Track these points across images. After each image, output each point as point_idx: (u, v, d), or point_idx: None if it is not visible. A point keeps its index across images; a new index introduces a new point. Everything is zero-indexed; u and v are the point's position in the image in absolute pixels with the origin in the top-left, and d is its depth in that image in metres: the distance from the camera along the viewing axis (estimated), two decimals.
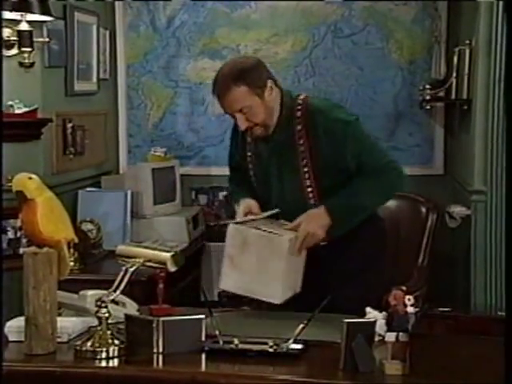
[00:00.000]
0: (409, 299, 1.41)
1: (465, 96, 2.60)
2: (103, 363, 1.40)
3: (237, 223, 1.71)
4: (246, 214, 1.77)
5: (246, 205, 1.78)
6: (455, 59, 2.61)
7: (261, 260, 1.63)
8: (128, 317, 1.49)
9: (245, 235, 1.65)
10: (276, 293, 1.62)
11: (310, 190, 1.75)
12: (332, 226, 1.69)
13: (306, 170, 1.74)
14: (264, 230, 1.66)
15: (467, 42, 2.56)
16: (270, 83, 1.72)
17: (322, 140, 1.72)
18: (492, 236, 2.34)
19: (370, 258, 1.79)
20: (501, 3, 2.29)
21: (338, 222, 1.70)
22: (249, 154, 1.83)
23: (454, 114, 2.77)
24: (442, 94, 2.79)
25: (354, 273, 1.73)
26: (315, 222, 1.68)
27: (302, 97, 1.77)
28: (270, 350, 1.42)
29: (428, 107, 2.89)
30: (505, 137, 2.16)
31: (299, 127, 1.73)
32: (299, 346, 1.43)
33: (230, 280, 1.67)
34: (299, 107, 1.75)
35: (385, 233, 1.89)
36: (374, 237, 1.82)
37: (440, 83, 2.80)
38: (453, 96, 2.67)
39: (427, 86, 2.81)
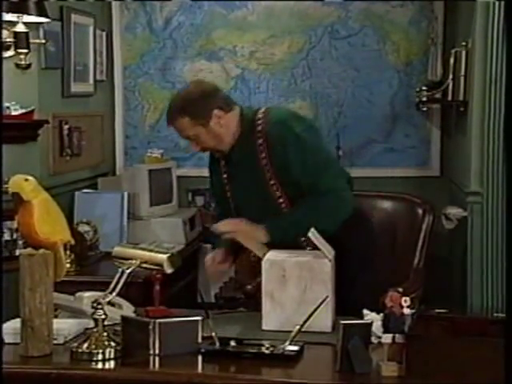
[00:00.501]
0: (405, 301, 1.41)
1: (461, 98, 2.60)
2: (99, 365, 1.40)
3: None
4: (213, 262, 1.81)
5: (213, 255, 1.83)
6: (451, 61, 2.62)
7: (303, 289, 1.58)
8: (124, 318, 1.49)
9: (283, 266, 1.59)
10: (326, 321, 1.56)
11: (281, 200, 1.77)
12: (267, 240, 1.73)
13: (272, 182, 1.76)
14: (301, 256, 1.62)
15: (463, 43, 2.57)
16: (216, 112, 1.75)
17: (281, 151, 1.75)
18: (488, 237, 2.35)
19: (360, 259, 1.79)
20: (497, 5, 2.30)
21: (274, 241, 1.73)
22: (224, 176, 1.85)
23: (451, 116, 2.78)
24: (438, 95, 2.80)
25: (345, 275, 1.72)
26: (250, 238, 1.74)
27: (262, 110, 1.81)
28: (267, 351, 1.42)
29: (424, 109, 2.90)
30: (504, 137, 2.17)
31: (260, 141, 1.76)
32: (295, 348, 1.42)
33: (272, 319, 1.59)
34: (259, 121, 1.78)
35: (373, 233, 1.90)
36: (361, 238, 1.82)
37: (436, 85, 2.81)
38: (449, 98, 2.67)
39: (424, 88, 2.82)
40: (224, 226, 1.76)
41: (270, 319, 1.59)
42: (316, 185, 1.75)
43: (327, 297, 1.53)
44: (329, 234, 1.68)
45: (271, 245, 1.72)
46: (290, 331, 1.45)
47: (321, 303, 1.49)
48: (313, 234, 1.61)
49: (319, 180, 1.76)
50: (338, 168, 1.87)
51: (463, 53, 2.56)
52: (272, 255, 1.63)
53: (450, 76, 2.63)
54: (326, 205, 1.75)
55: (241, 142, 1.78)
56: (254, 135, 1.77)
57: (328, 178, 1.77)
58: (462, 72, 2.57)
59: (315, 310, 1.48)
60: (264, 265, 1.60)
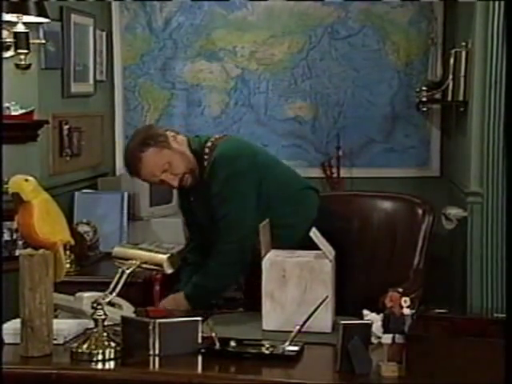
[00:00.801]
0: (405, 301, 1.41)
1: (461, 98, 2.60)
2: (99, 365, 1.40)
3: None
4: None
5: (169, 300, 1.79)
6: (451, 61, 2.62)
7: (303, 289, 1.58)
8: (124, 319, 1.49)
9: (283, 267, 1.59)
10: (326, 321, 1.56)
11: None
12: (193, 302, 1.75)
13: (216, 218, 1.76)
14: (302, 257, 1.61)
15: (463, 43, 2.58)
16: (170, 133, 1.78)
17: (211, 189, 1.74)
18: (488, 238, 2.35)
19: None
20: (497, 5, 2.30)
21: (198, 302, 1.75)
22: (185, 199, 1.87)
23: (451, 116, 2.79)
24: (438, 95, 2.80)
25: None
26: (176, 306, 1.75)
27: (209, 143, 1.79)
28: (267, 352, 1.41)
29: (424, 109, 2.91)
30: (504, 137, 2.17)
31: (205, 175, 1.77)
32: (295, 348, 1.42)
33: (272, 320, 1.58)
34: (206, 156, 1.78)
35: (339, 225, 1.90)
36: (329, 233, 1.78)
37: (436, 85, 2.81)
38: (449, 98, 2.68)
39: (424, 88, 2.83)
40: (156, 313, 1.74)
41: (270, 319, 1.59)
42: (218, 235, 1.74)
43: (327, 297, 1.53)
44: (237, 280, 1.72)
45: (194, 306, 1.74)
46: (290, 331, 1.45)
47: (321, 303, 1.49)
48: (314, 233, 1.61)
49: (220, 233, 1.74)
50: (233, 230, 1.77)
51: (463, 53, 2.56)
52: (272, 255, 1.63)
53: (450, 76, 2.64)
54: (229, 254, 1.74)
55: (193, 176, 1.79)
56: (202, 169, 1.77)
57: (223, 237, 1.75)
58: (462, 72, 2.58)
59: (315, 310, 1.48)
60: (264, 265, 1.59)
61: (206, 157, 1.78)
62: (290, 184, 1.86)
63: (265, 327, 1.59)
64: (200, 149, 1.79)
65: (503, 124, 2.21)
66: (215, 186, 1.75)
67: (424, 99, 2.83)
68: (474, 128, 2.40)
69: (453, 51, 2.63)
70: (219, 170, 1.75)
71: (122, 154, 1.83)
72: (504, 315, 2.17)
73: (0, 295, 1.45)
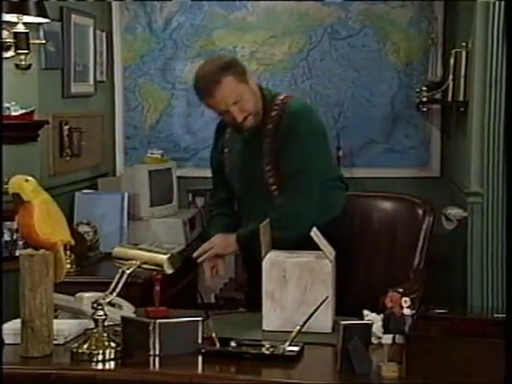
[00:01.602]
0: (405, 301, 1.41)
1: (461, 98, 2.60)
2: (99, 366, 1.40)
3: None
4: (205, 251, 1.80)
5: (210, 243, 1.81)
6: (452, 61, 2.63)
7: (303, 289, 1.58)
8: (124, 319, 1.49)
9: (283, 267, 1.59)
10: (327, 322, 1.56)
11: (273, 188, 1.77)
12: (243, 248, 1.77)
13: (268, 168, 1.76)
14: (302, 257, 1.61)
15: (464, 44, 2.58)
16: (247, 74, 1.76)
17: (289, 141, 1.74)
18: (488, 238, 2.35)
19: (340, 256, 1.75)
20: (497, 5, 2.30)
21: (247, 245, 1.75)
22: (226, 150, 1.86)
23: (451, 116, 2.79)
24: (438, 96, 2.81)
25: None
26: (224, 247, 1.78)
27: (281, 97, 1.80)
28: (267, 352, 1.41)
29: (425, 109, 2.91)
30: (504, 137, 2.17)
31: (270, 126, 1.76)
32: (296, 348, 1.42)
33: (272, 320, 1.58)
34: (276, 107, 1.78)
35: (352, 228, 1.91)
36: (340, 234, 1.80)
37: (436, 85, 2.82)
38: (449, 98, 2.68)
39: (424, 88, 2.83)
40: (200, 253, 1.79)
41: (271, 319, 1.59)
42: (291, 187, 1.74)
43: (327, 297, 1.53)
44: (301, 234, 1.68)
45: (244, 250, 1.76)
46: (291, 331, 1.45)
47: (321, 304, 1.49)
48: (315, 233, 1.61)
49: (313, 180, 1.76)
50: (334, 171, 1.87)
51: (463, 53, 2.57)
52: (272, 255, 1.63)
53: (450, 76, 2.64)
54: (278, 223, 1.72)
55: (255, 119, 1.77)
56: (267, 118, 1.76)
57: (306, 182, 1.76)
58: (462, 72, 2.58)
59: (315, 310, 1.48)
60: (264, 265, 1.60)
61: (275, 107, 1.77)
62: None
63: (265, 327, 1.59)
64: (270, 98, 1.78)
65: (503, 125, 2.21)
66: (296, 141, 1.73)
67: (424, 99, 2.83)
68: (474, 128, 2.40)
69: (453, 51, 2.63)
70: (302, 126, 1.74)
71: (194, 78, 1.76)
72: (504, 315, 2.18)
73: (0, 295, 1.45)
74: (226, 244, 1.79)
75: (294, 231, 1.74)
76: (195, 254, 1.82)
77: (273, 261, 1.60)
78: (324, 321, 1.55)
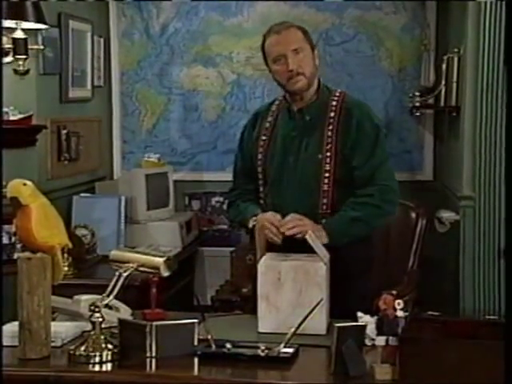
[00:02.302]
0: (398, 303, 1.43)
1: (453, 103, 2.63)
2: (97, 368, 1.41)
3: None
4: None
5: (267, 216, 1.73)
6: (444, 67, 2.65)
7: (298, 292, 1.59)
8: (121, 321, 1.50)
9: (278, 270, 1.60)
10: (321, 324, 1.58)
11: (326, 175, 1.76)
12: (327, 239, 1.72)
13: (328, 154, 1.75)
14: (297, 260, 1.62)
15: (456, 50, 2.60)
16: (316, 49, 1.83)
17: (351, 132, 1.76)
18: (480, 241, 2.37)
19: (358, 264, 1.80)
20: (488, 12, 2.33)
21: (333, 243, 1.72)
22: (263, 138, 1.83)
23: (443, 121, 2.81)
24: (431, 101, 2.83)
25: (344, 279, 1.73)
26: (312, 225, 1.71)
27: (339, 90, 1.85)
28: (262, 354, 1.43)
29: (418, 114, 2.93)
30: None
31: (332, 114, 1.78)
32: (290, 350, 1.44)
33: (267, 322, 1.59)
34: (335, 98, 1.81)
35: (370, 239, 1.91)
36: (360, 243, 1.83)
37: (429, 90, 2.84)
38: (442, 103, 2.70)
39: (417, 93, 2.85)
40: (292, 226, 1.68)
41: (266, 322, 1.60)
42: (373, 178, 1.75)
43: (322, 300, 1.54)
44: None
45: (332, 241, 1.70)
46: (286, 333, 1.46)
47: (315, 306, 1.51)
48: (310, 236, 1.63)
49: (377, 174, 1.76)
50: (391, 171, 1.85)
51: (455, 59, 2.59)
52: (267, 258, 1.65)
53: (443, 82, 2.66)
54: (379, 203, 1.75)
55: (315, 103, 1.79)
56: (327, 106, 1.79)
57: (384, 175, 1.78)
58: (455, 78, 2.60)
59: (310, 312, 1.50)
60: (260, 268, 1.61)
61: (335, 98, 1.80)
62: None
63: (260, 329, 1.61)
64: (326, 89, 1.83)
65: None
66: (364, 137, 1.75)
67: (417, 104, 2.86)
68: (467, 133, 2.42)
69: (445, 57, 2.66)
70: (370, 128, 1.77)
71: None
72: (496, 317, 2.20)
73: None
74: (317, 236, 1.68)
75: (395, 205, 1.79)
76: (287, 232, 1.68)
77: (268, 264, 1.61)
78: (319, 323, 1.57)
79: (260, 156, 1.84)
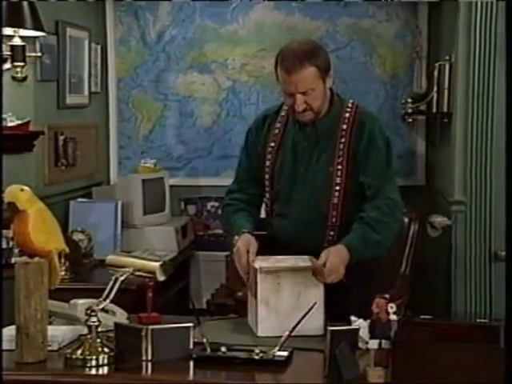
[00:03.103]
0: (391, 307, 1.45)
1: (445, 109, 2.65)
2: (93, 371, 1.42)
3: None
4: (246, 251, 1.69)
5: (245, 241, 1.70)
6: (436, 74, 2.67)
7: (297, 295, 1.60)
8: (118, 325, 1.52)
9: (277, 274, 1.61)
10: (318, 324, 1.59)
11: (337, 188, 1.74)
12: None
13: (339, 167, 1.73)
14: (296, 263, 1.64)
15: (447, 57, 2.63)
16: (331, 72, 1.73)
17: (363, 146, 1.73)
18: (472, 245, 2.39)
19: (366, 271, 1.78)
20: (478, 20, 2.37)
21: (354, 259, 1.69)
22: (272, 144, 1.79)
23: (435, 127, 2.83)
24: (423, 107, 2.86)
25: (351, 285, 1.71)
26: (340, 258, 1.65)
27: (351, 101, 1.80)
28: (257, 357, 1.44)
29: (410, 120, 2.96)
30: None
31: (344, 126, 1.75)
32: (285, 354, 1.45)
33: (267, 325, 1.60)
34: (348, 109, 1.77)
35: None
36: None
37: (421, 97, 2.87)
38: (434, 109, 2.72)
39: (409, 100, 2.88)
40: (332, 277, 1.62)
41: (266, 325, 1.61)
42: (382, 193, 1.73)
43: (315, 303, 1.56)
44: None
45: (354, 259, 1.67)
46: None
47: (309, 309, 1.53)
48: None
49: (386, 189, 1.74)
50: (397, 187, 1.82)
51: (447, 66, 2.61)
52: (265, 263, 1.66)
53: (435, 88, 2.68)
54: (396, 219, 1.74)
55: (327, 115, 1.75)
56: (340, 118, 1.75)
57: (392, 189, 1.77)
58: (446, 85, 2.63)
59: (303, 316, 1.51)
60: (259, 273, 1.62)
61: (348, 109, 1.75)
62: None
63: (260, 333, 1.61)
64: (339, 100, 1.77)
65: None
66: (375, 151, 1.73)
67: (409, 110, 2.88)
68: (458, 138, 2.44)
69: (437, 64, 2.68)
70: (382, 142, 1.74)
71: (281, 49, 1.71)
72: (487, 320, 2.23)
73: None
74: (342, 256, 1.64)
75: (400, 223, 1.79)
76: (328, 281, 1.61)
77: (267, 269, 1.62)
78: (317, 323, 1.58)
79: (268, 163, 1.80)
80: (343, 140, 1.74)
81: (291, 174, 1.78)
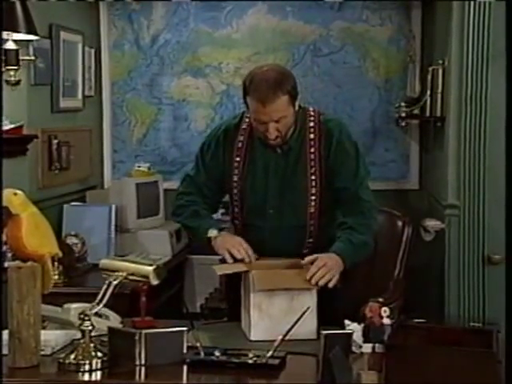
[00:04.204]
0: (385, 311, 1.46)
1: (438, 113, 2.67)
2: (86, 376, 1.42)
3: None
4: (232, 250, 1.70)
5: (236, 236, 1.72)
6: (429, 78, 2.68)
7: (290, 299, 1.61)
8: (111, 329, 1.52)
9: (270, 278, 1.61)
10: (311, 328, 1.59)
11: (313, 198, 1.75)
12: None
13: (313, 178, 1.75)
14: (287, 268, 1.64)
15: (440, 61, 2.64)
16: (298, 96, 1.73)
17: (333, 153, 1.74)
18: (465, 249, 2.39)
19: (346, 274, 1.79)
20: (471, 25, 2.38)
21: (348, 265, 1.71)
22: (237, 159, 1.79)
23: (429, 131, 2.84)
24: (416, 111, 2.87)
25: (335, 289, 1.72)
26: (331, 260, 1.67)
27: (311, 108, 1.81)
28: (250, 361, 1.44)
29: (403, 124, 2.96)
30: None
31: (312, 136, 1.76)
32: (278, 358, 1.45)
33: (260, 330, 1.61)
34: (311, 118, 1.77)
35: None
36: None
37: (415, 101, 2.88)
38: (427, 113, 2.73)
39: (403, 104, 2.89)
40: (322, 276, 1.63)
41: (259, 330, 1.61)
42: (358, 196, 1.74)
43: (308, 308, 1.56)
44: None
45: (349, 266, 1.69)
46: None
47: (302, 314, 1.53)
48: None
49: (361, 192, 1.75)
50: (369, 186, 1.83)
51: (440, 70, 2.63)
52: (258, 268, 1.66)
53: (428, 92, 2.69)
54: (370, 222, 1.75)
55: (294, 132, 1.75)
56: (306, 129, 1.75)
57: (366, 191, 1.78)
58: (439, 89, 2.65)
59: (297, 320, 1.52)
60: (252, 278, 1.62)
61: (311, 118, 1.75)
62: None
63: (253, 338, 1.61)
64: (301, 111, 1.75)
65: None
66: (345, 157, 1.73)
67: (403, 114, 2.89)
68: (451, 142, 2.45)
69: (430, 68, 2.69)
70: (350, 146, 1.75)
71: (249, 77, 1.68)
72: (480, 324, 2.24)
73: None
74: (338, 263, 1.66)
75: (376, 222, 1.80)
76: (320, 283, 1.63)
77: (260, 274, 1.62)
78: (310, 327, 1.58)
79: (236, 178, 1.79)
80: (313, 150, 1.76)
81: (264, 189, 1.78)
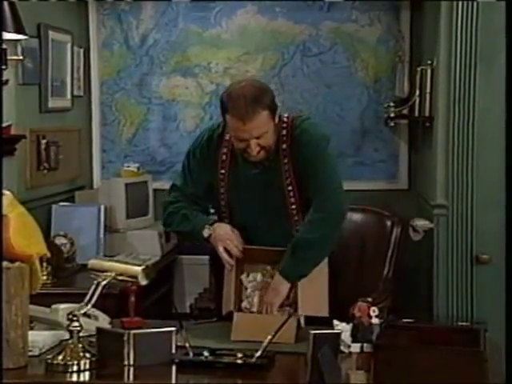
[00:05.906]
0: (373, 311, 1.47)
1: (427, 113, 2.68)
2: (74, 377, 1.42)
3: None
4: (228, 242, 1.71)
5: (228, 228, 1.74)
6: (418, 78, 2.70)
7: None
8: (100, 330, 1.51)
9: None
10: (292, 331, 1.59)
11: (293, 206, 1.76)
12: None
13: (290, 188, 1.75)
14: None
15: (429, 62, 2.66)
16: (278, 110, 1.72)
17: (302, 160, 1.73)
18: (453, 248, 2.41)
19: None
20: (459, 26, 2.40)
21: (294, 280, 1.71)
22: (222, 171, 1.79)
23: (418, 131, 2.85)
24: (405, 111, 2.88)
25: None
26: (273, 294, 1.69)
27: (285, 115, 1.78)
28: (239, 361, 1.45)
29: (392, 124, 2.98)
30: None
31: (284, 145, 1.74)
32: (267, 358, 1.46)
33: (242, 330, 1.62)
34: (284, 125, 1.75)
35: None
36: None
37: (404, 101, 2.89)
38: (416, 113, 2.75)
39: (391, 104, 2.90)
40: (271, 306, 1.66)
41: (240, 330, 1.62)
42: (325, 204, 1.72)
43: (290, 316, 1.57)
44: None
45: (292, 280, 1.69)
46: (262, 342, 1.47)
47: (286, 320, 1.53)
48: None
49: (330, 200, 1.73)
50: (340, 177, 1.81)
51: (428, 71, 2.64)
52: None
53: (417, 93, 2.71)
54: (330, 231, 1.72)
55: (266, 154, 1.72)
56: (279, 138, 1.72)
57: (338, 201, 1.75)
58: (428, 89, 2.66)
59: (283, 323, 1.52)
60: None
61: (284, 125, 1.72)
62: None
63: (235, 338, 1.62)
64: (279, 119, 1.72)
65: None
66: (320, 164, 1.71)
67: (392, 115, 2.90)
68: (440, 142, 2.46)
69: (419, 69, 2.71)
70: (321, 151, 1.72)
71: (226, 94, 1.65)
72: (468, 323, 2.25)
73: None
74: (279, 285, 1.68)
75: (341, 205, 1.76)
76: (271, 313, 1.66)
77: (242, 319, 1.64)
78: (286, 332, 1.57)
79: (222, 190, 1.80)
80: (286, 160, 1.75)
81: (250, 203, 1.78)
